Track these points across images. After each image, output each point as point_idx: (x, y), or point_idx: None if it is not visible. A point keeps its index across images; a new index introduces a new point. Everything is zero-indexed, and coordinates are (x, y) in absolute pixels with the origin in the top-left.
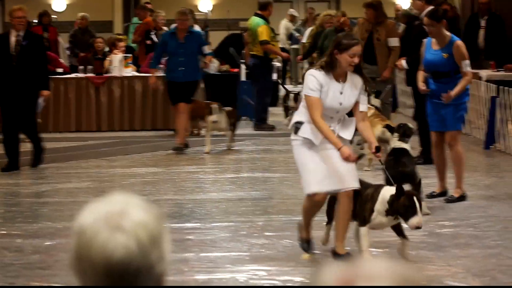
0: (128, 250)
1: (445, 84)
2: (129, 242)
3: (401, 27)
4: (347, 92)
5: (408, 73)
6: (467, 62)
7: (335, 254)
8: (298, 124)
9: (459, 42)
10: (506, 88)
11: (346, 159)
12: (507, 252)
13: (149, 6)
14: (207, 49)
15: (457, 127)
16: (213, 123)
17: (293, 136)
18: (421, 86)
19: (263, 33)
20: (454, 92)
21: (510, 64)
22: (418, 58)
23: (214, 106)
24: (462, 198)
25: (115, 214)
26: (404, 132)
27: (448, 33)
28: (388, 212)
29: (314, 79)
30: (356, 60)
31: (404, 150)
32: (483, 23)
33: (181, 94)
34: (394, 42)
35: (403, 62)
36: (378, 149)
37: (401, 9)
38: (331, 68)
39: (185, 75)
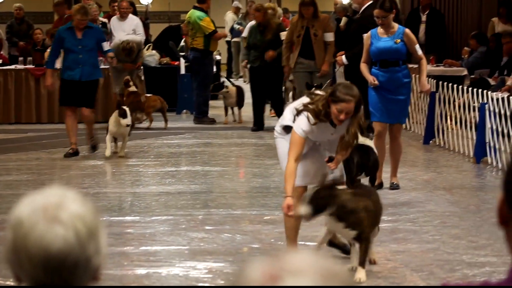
0: (67, 242)
1: (393, 73)
2: (67, 234)
3: (343, 20)
4: (340, 129)
5: (347, 68)
6: (418, 45)
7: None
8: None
9: (407, 30)
10: (445, 83)
11: (284, 209)
12: (445, 247)
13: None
14: (107, 46)
15: (404, 120)
16: (116, 128)
17: (279, 133)
18: (371, 78)
19: (210, 24)
20: (423, 79)
21: (450, 59)
22: (358, 53)
23: (127, 108)
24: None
25: (52, 206)
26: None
27: (395, 23)
28: None
29: (307, 123)
30: (342, 117)
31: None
32: (423, 18)
33: (79, 95)
34: (330, 36)
35: (343, 57)
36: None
37: (339, 3)
38: (325, 117)
39: (83, 74)
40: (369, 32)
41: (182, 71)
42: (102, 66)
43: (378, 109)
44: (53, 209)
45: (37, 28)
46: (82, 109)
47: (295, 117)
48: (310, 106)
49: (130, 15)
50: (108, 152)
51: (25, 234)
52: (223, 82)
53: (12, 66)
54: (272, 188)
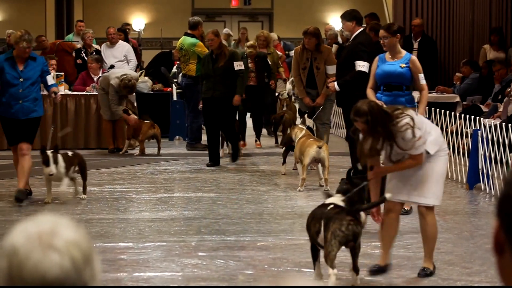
0: (63, 269)
1: (396, 97)
2: (63, 261)
3: (333, 47)
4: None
5: (339, 94)
6: (423, 75)
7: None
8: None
9: (414, 57)
10: (438, 109)
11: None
12: (439, 273)
13: (81, 24)
14: (51, 79)
15: None
16: (49, 176)
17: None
18: (378, 103)
19: (204, 48)
20: (421, 110)
21: (442, 85)
22: (349, 80)
23: (50, 154)
24: None
25: (46, 233)
26: None
27: (403, 50)
28: None
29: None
30: (362, 133)
31: None
32: (416, 45)
33: (20, 132)
34: (332, 69)
35: (335, 84)
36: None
37: (332, 29)
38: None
39: (23, 110)
40: (377, 56)
41: (175, 97)
42: (91, 92)
43: None
44: (48, 237)
45: None
46: (20, 145)
47: None
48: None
49: (121, 41)
50: (48, 198)
51: (20, 262)
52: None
53: None
54: (265, 214)
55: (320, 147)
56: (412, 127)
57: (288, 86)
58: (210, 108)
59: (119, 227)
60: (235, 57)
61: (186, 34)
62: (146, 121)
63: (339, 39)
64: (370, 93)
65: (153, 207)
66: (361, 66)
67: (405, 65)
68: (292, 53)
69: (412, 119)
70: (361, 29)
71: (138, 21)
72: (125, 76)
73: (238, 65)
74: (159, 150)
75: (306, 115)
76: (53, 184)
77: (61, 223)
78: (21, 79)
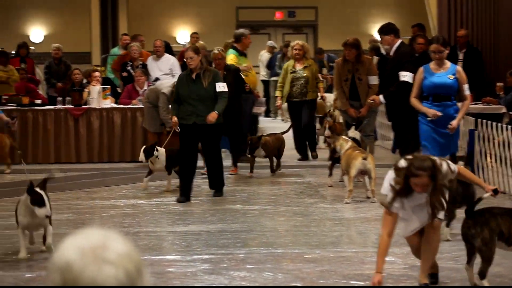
0: (119, 281)
1: (445, 108)
2: (118, 273)
3: (374, 60)
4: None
5: (388, 108)
6: (467, 86)
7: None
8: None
9: (459, 67)
10: (484, 121)
11: (373, 284)
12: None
13: (126, 37)
14: None
15: (456, 149)
16: (29, 219)
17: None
18: (433, 112)
19: (232, 62)
20: (457, 119)
21: (488, 96)
22: (395, 91)
23: (42, 192)
24: None
25: (98, 247)
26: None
27: (446, 60)
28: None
29: (397, 200)
30: (418, 190)
31: None
32: (461, 56)
33: None
34: (374, 80)
35: (380, 97)
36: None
37: (375, 41)
38: (408, 191)
39: None
40: (422, 67)
41: None
42: (137, 106)
43: (431, 141)
44: (100, 251)
45: (75, 68)
46: None
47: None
48: (396, 185)
49: (166, 54)
50: (23, 254)
51: (76, 277)
52: (154, 146)
53: (51, 106)
54: (312, 227)
55: (365, 159)
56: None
57: (332, 97)
58: (191, 136)
59: (167, 240)
60: (218, 78)
61: (232, 47)
62: None
63: (382, 51)
64: (416, 102)
65: (200, 220)
66: (405, 76)
67: (453, 77)
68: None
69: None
70: (400, 40)
71: (183, 33)
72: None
73: (221, 87)
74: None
75: (353, 127)
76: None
77: (110, 236)
78: None
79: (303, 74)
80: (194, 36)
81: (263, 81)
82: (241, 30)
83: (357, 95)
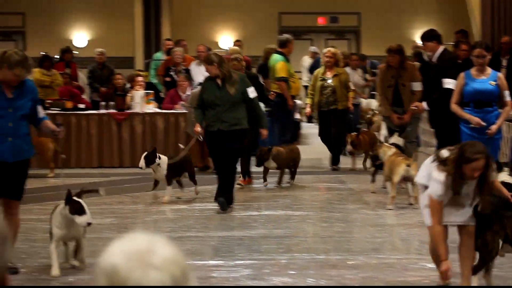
0: (164, 286)
1: (486, 114)
2: (164, 278)
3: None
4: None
5: (431, 114)
6: (508, 92)
7: None
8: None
9: (501, 74)
10: None
11: (443, 273)
12: None
13: (169, 42)
14: (42, 110)
15: (496, 157)
16: (66, 230)
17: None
18: (476, 120)
19: (282, 69)
20: (497, 124)
21: None
22: (437, 98)
23: (81, 201)
24: None
25: (145, 252)
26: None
27: (487, 67)
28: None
29: (442, 188)
30: (476, 175)
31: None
32: (504, 62)
33: (8, 182)
34: (417, 86)
35: (423, 104)
36: None
37: (417, 47)
38: (460, 178)
39: (14, 150)
40: (463, 73)
41: None
42: (180, 110)
43: None
44: (146, 255)
45: (118, 73)
46: (7, 203)
47: (430, 181)
48: (447, 176)
49: None
50: (56, 271)
51: (122, 281)
52: (155, 152)
53: (95, 111)
54: (355, 233)
55: (409, 165)
56: None
57: (375, 103)
58: (217, 144)
59: (209, 245)
60: (247, 83)
61: (276, 52)
62: None
63: (425, 57)
64: (457, 108)
65: (243, 225)
66: (448, 83)
67: (494, 83)
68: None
69: None
70: (443, 47)
71: (226, 39)
72: None
73: (251, 92)
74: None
75: (396, 133)
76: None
77: (156, 241)
78: (10, 109)
79: (331, 83)
80: (237, 44)
81: (305, 86)
82: (286, 36)
83: (400, 101)
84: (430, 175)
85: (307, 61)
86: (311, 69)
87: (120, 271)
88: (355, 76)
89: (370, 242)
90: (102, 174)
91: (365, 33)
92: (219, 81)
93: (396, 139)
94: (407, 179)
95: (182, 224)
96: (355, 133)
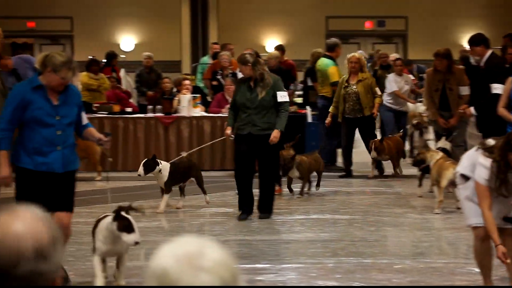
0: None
1: None
2: (213, 281)
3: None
4: None
5: (478, 118)
6: None
7: None
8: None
9: None
10: None
11: (500, 258)
12: None
13: (216, 46)
14: (85, 117)
15: None
16: (112, 245)
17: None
18: None
19: (335, 74)
20: None
21: None
22: (486, 103)
23: (130, 217)
24: None
25: (195, 255)
26: None
27: None
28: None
29: (487, 173)
30: None
31: None
32: None
33: (54, 194)
34: (465, 90)
35: (471, 109)
36: None
37: (465, 51)
38: (505, 166)
39: (64, 161)
40: (511, 78)
41: (309, 119)
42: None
43: None
44: (196, 258)
45: (165, 77)
46: (58, 215)
47: (475, 166)
48: (493, 163)
49: None
50: (100, 281)
51: (172, 284)
52: (155, 159)
53: (142, 115)
54: (402, 237)
55: None
56: None
57: (422, 108)
58: (246, 148)
59: (257, 249)
60: (279, 87)
61: (324, 56)
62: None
63: (472, 61)
64: (504, 112)
65: (290, 229)
66: (496, 88)
67: None
68: (425, 76)
69: None
70: (491, 51)
71: (272, 42)
72: None
73: (282, 96)
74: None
75: (443, 137)
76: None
77: (206, 244)
78: (57, 117)
79: (355, 89)
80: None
81: None
82: (335, 40)
83: (447, 105)
84: (473, 165)
85: None
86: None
87: (170, 274)
88: (401, 82)
89: (417, 246)
90: (148, 177)
91: (412, 37)
92: (251, 83)
93: (443, 143)
94: (455, 183)
95: (229, 227)
96: (378, 139)
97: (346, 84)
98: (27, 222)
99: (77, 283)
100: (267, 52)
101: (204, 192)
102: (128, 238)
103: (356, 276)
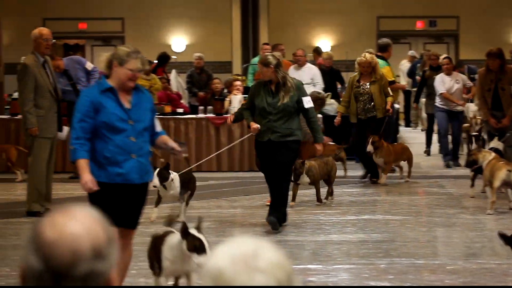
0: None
1: None
2: (269, 282)
3: None
4: None
5: None
6: None
7: None
8: None
9: None
10: None
11: None
12: None
13: (266, 47)
14: (158, 123)
15: None
16: (179, 265)
17: None
18: None
19: (389, 73)
20: None
21: None
22: None
23: (201, 236)
24: None
25: (250, 256)
26: None
27: None
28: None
29: None
30: None
31: None
32: None
33: (126, 208)
34: None
35: None
36: None
37: None
38: None
39: (142, 171)
40: None
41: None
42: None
43: None
44: (252, 259)
45: (216, 77)
46: (122, 232)
47: None
48: None
49: (308, 64)
50: None
51: (227, 285)
52: (168, 168)
53: (193, 115)
54: (454, 238)
55: (510, 170)
56: None
57: (474, 108)
58: (267, 155)
59: (308, 249)
60: (303, 91)
61: (376, 56)
62: (330, 143)
63: None
64: None
65: (342, 230)
66: None
67: None
68: (476, 76)
69: None
70: None
71: (323, 43)
72: (314, 91)
73: (308, 102)
74: (345, 171)
75: (496, 138)
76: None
77: (262, 245)
78: (131, 122)
79: (368, 90)
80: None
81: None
82: (387, 40)
83: (500, 105)
84: None
85: (405, 65)
86: (410, 73)
87: (225, 274)
88: (450, 82)
89: (469, 247)
90: (200, 178)
91: (464, 37)
92: (272, 87)
93: (495, 143)
94: (508, 184)
95: (280, 228)
96: (377, 135)
97: (357, 84)
98: (83, 222)
99: (128, 283)
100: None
101: (187, 204)
102: (200, 260)
103: (408, 277)
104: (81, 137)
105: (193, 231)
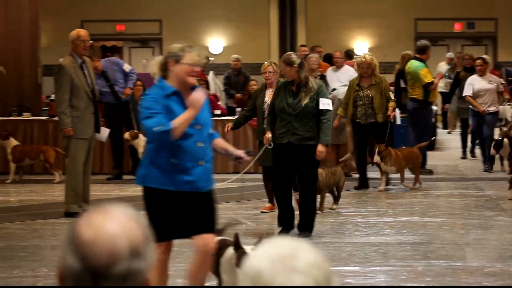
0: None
1: None
2: (307, 282)
3: None
4: None
5: None
6: None
7: None
8: None
9: None
10: None
11: None
12: None
13: (304, 48)
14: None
15: None
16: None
17: None
18: None
19: (427, 75)
20: None
21: None
22: None
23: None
24: None
25: (287, 257)
26: None
27: None
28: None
29: None
30: None
31: None
32: None
33: (200, 215)
34: None
35: None
36: None
37: None
38: None
39: (208, 178)
40: None
41: (398, 121)
42: None
43: None
44: (290, 260)
45: (253, 79)
46: (203, 238)
47: None
48: None
49: (346, 66)
50: None
51: (266, 285)
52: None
53: (231, 117)
54: (492, 240)
55: None
56: None
57: (510, 110)
58: (285, 158)
59: (345, 251)
60: (324, 93)
61: (415, 58)
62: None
63: None
64: None
65: (379, 232)
66: None
67: None
68: None
69: None
70: None
71: (361, 45)
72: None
73: (325, 104)
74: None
75: None
76: None
77: (300, 246)
78: (198, 126)
79: (367, 93)
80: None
81: (441, 92)
82: (425, 42)
83: None
84: None
85: (443, 67)
86: (448, 76)
87: (263, 275)
88: (482, 82)
89: (508, 249)
90: (238, 180)
91: (502, 39)
92: (293, 87)
93: None
94: None
95: (317, 230)
96: (383, 144)
97: (357, 88)
98: (120, 222)
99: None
100: (356, 55)
101: None
102: None
103: (446, 279)
104: (162, 123)
105: (243, 245)
